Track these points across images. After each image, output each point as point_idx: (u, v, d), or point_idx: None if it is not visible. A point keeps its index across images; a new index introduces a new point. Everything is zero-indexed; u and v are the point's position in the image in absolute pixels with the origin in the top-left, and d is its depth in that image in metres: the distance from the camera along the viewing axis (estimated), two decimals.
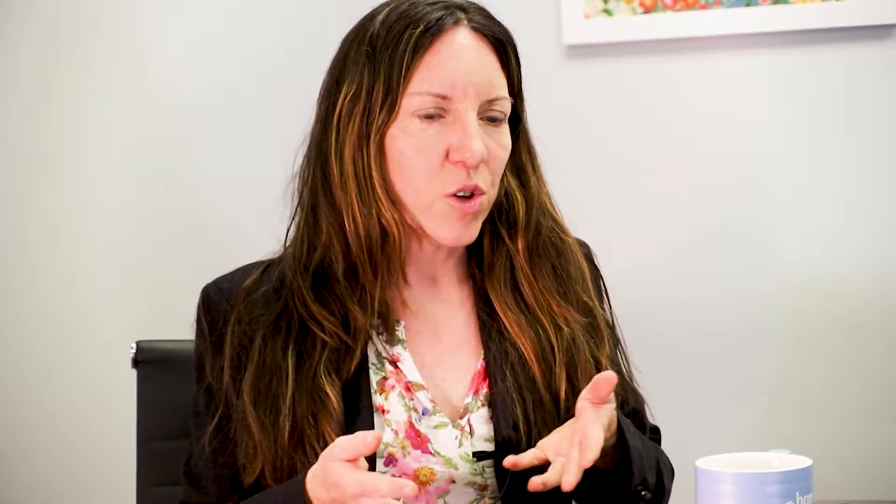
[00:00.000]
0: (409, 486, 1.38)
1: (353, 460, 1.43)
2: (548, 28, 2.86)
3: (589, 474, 1.48)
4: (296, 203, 1.67)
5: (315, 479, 1.46)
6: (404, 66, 1.57)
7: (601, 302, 1.73)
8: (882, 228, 2.70)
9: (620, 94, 2.86)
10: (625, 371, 1.72)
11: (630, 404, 1.70)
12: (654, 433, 1.77)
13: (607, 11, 2.81)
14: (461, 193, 1.58)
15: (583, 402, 1.50)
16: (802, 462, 1.36)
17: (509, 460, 1.51)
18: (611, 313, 1.74)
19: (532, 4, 2.85)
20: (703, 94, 2.80)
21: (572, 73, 2.86)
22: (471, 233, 1.61)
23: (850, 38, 2.69)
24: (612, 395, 1.52)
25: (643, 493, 1.58)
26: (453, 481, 1.60)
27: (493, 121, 1.61)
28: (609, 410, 1.52)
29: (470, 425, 1.61)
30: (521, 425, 1.59)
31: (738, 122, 2.78)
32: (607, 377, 1.49)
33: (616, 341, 1.73)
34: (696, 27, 2.77)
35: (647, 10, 2.79)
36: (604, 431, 1.49)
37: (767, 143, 2.76)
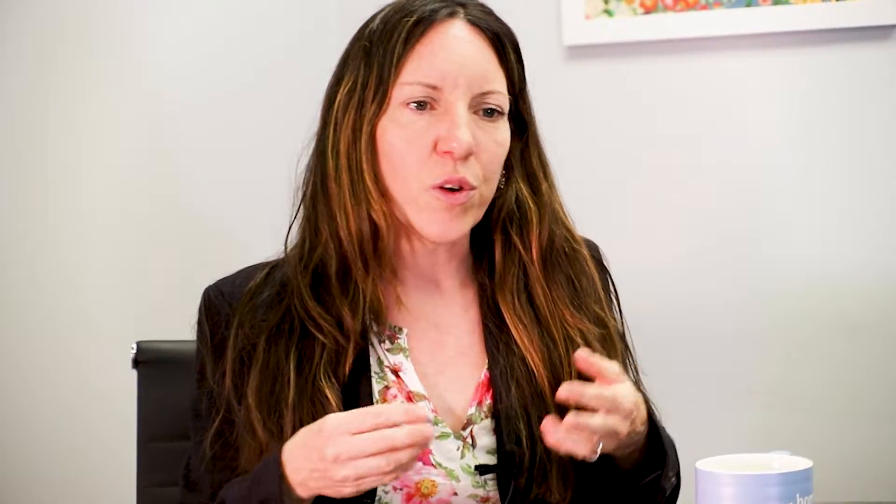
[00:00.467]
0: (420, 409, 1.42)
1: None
2: (548, 29, 2.85)
3: (620, 469, 1.51)
4: (299, 202, 1.66)
5: (295, 448, 1.46)
6: (395, 56, 1.57)
7: (611, 307, 1.72)
8: (883, 229, 2.69)
9: (621, 94, 2.85)
10: (631, 378, 1.70)
11: None
12: None
13: (608, 12, 2.81)
14: (448, 186, 1.56)
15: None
16: (803, 463, 1.36)
17: (583, 356, 1.49)
18: (621, 316, 1.73)
19: (532, 5, 2.85)
20: (704, 94, 2.80)
21: (573, 74, 2.86)
22: (458, 227, 1.59)
23: (851, 38, 2.68)
24: (625, 374, 1.53)
25: (672, 478, 1.59)
26: (455, 493, 1.58)
27: (489, 115, 1.59)
28: (631, 390, 1.52)
29: (472, 436, 1.60)
30: (525, 440, 1.57)
31: (738, 122, 2.78)
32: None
33: (625, 347, 1.72)
34: (697, 28, 2.77)
35: (648, 11, 2.79)
36: (633, 410, 1.50)
37: (768, 143, 2.76)
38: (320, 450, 1.42)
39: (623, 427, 1.49)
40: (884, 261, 2.69)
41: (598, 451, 1.47)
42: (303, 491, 1.46)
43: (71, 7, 2.59)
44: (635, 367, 1.72)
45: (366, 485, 1.43)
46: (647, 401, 1.71)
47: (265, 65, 2.92)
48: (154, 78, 2.71)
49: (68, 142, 2.59)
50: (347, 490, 1.43)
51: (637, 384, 1.71)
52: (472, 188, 1.57)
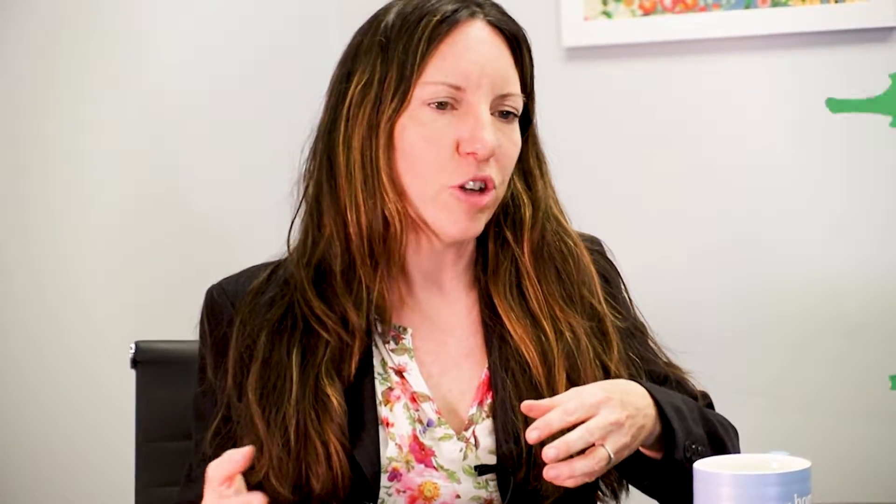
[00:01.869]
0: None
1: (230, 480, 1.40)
2: (547, 30, 2.85)
3: (643, 463, 1.49)
4: (300, 197, 1.65)
5: None
6: (419, 54, 1.56)
7: (617, 301, 1.71)
8: (882, 230, 2.70)
9: (620, 96, 2.85)
10: (662, 359, 1.70)
11: (672, 383, 1.68)
12: (704, 399, 1.73)
13: (607, 14, 2.81)
14: (470, 185, 1.56)
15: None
16: (801, 464, 1.35)
17: (526, 404, 1.44)
18: (632, 306, 1.73)
19: (532, 6, 2.84)
20: (703, 96, 2.80)
21: (572, 76, 2.86)
22: (476, 227, 1.59)
23: (850, 40, 2.69)
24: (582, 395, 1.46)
25: (690, 451, 1.53)
26: (458, 496, 1.58)
27: (504, 116, 1.59)
28: (593, 386, 1.48)
29: (475, 437, 1.59)
30: (522, 436, 1.55)
31: (738, 124, 2.78)
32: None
33: (643, 334, 1.71)
34: (696, 29, 2.77)
35: (647, 13, 2.79)
36: (607, 398, 1.45)
37: (767, 145, 2.76)
38: None
39: (611, 416, 1.43)
40: (884, 261, 2.69)
41: (612, 453, 1.43)
42: None
43: (71, 7, 2.59)
44: (657, 348, 1.71)
45: None
46: (682, 379, 1.70)
47: (265, 64, 2.92)
48: (153, 78, 2.71)
49: (68, 142, 2.59)
50: None
51: (666, 361, 1.70)
52: (494, 188, 1.57)
